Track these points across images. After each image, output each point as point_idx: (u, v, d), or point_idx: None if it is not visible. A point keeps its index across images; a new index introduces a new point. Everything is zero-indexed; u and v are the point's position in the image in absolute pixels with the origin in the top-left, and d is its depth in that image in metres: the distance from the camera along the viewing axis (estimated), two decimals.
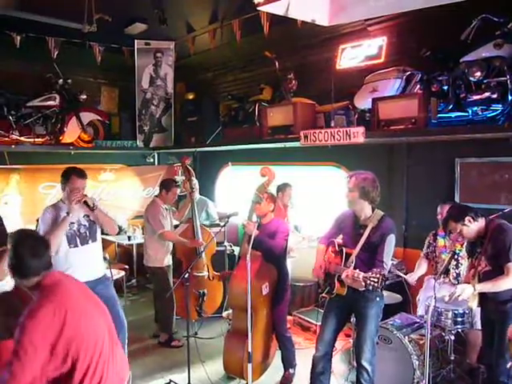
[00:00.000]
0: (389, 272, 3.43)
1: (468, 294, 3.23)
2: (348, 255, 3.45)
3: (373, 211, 3.46)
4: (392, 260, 5.09)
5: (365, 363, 3.40)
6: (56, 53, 6.38)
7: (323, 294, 3.68)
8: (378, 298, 3.43)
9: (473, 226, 3.30)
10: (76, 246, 3.84)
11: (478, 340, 3.89)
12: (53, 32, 6.27)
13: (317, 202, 6.29)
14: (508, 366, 3.23)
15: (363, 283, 3.11)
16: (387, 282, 3.54)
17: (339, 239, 3.68)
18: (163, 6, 5.79)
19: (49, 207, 3.91)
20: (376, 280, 3.05)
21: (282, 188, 5.40)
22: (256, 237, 3.77)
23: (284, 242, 4.09)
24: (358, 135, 4.48)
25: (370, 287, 3.08)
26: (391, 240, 3.33)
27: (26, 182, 7.03)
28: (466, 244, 4.19)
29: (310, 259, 5.27)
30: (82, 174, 3.85)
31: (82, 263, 3.83)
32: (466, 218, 3.28)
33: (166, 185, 5.25)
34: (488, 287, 3.21)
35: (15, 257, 2.19)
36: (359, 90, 4.92)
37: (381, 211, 3.46)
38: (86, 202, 3.78)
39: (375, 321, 3.44)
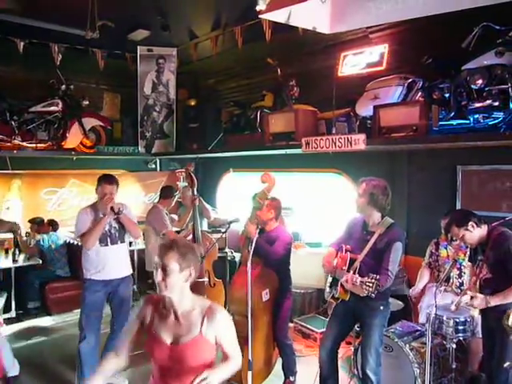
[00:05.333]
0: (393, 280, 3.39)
1: (479, 304, 3.20)
2: (353, 260, 3.44)
3: (382, 218, 3.44)
4: None
5: (370, 373, 3.39)
6: (59, 59, 6.41)
7: (329, 299, 3.67)
8: (382, 307, 3.41)
9: (475, 232, 3.29)
10: (106, 245, 4.19)
11: (479, 348, 3.87)
12: (56, 38, 6.30)
13: (318, 209, 6.29)
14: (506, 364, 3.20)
15: (361, 288, 3.10)
16: (392, 289, 3.53)
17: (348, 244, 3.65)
18: (166, 12, 5.81)
19: (84, 209, 4.25)
20: (370, 285, 3.04)
21: None
22: (256, 241, 3.76)
23: (282, 250, 4.07)
24: (359, 142, 4.48)
25: (366, 293, 3.07)
26: (398, 248, 3.31)
27: (28, 187, 7.05)
28: (468, 252, 4.20)
29: (310, 266, 5.29)
30: (110, 181, 4.19)
31: (111, 261, 4.18)
32: (470, 223, 3.26)
33: (164, 193, 5.45)
34: (500, 299, 3.17)
35: None
36: (361, 97, 4.93)
37: (390, 219, 3.45)
38: (112, 208, 4.07)
39: (379, 330, 3.42)
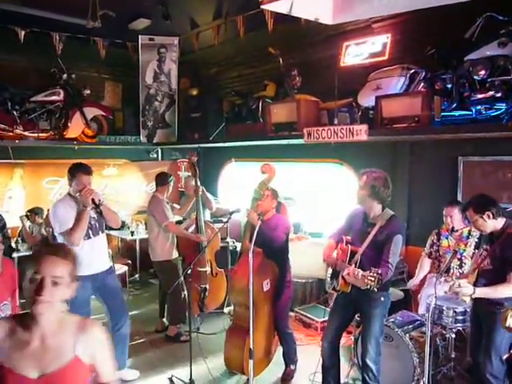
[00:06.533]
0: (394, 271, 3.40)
1: (465, 293, 3.22)
2: (354, 253, 3.46)
3: (383, 210, 3.45)
4: None
5: (369, 362, 3.41)
6: (60, 48, 6.40)
7: (330, 290, 3.69)
8: (382, 298, 3.42)
9: (489, 222, 3.25)
10: (89, 237, 3.98)
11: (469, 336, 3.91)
12: (57, 27, 6.29)
13: (319, 199, 6.30)
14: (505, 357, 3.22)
15: (363, 282, 3.12)
16: (392, 279, 3.55)
17: (349, 236, 3.65)
18: (167, 1, 5.79)
19: (59, 203, 3.99)
20: (372, 279, 3.04)
21: None
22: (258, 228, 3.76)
23: (284, 235, 4.10)
24: (361, 133, 4.48)
25: (368, 286, 3.08)
26: (398, 240, 3.30)
27: (30, 176, 7.07)
28: (468, 243, 4.23)
29: (312, 255, 5.32)
30: (88, 171, 3.94)
31: (96, 254, 4.01)
32: (486, 213, 3.23)
33: (159, 181, 5.34)
34: (488, 292, 3.19)
35: None
36: (363, 87, 4.92)
37: (390, 211, 3.45)
38: (93, 200, 3.86)
39: (379, 320, 3.44)
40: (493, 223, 3.26)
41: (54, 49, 6.37)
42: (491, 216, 3.23)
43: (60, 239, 3.94)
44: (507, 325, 2.71)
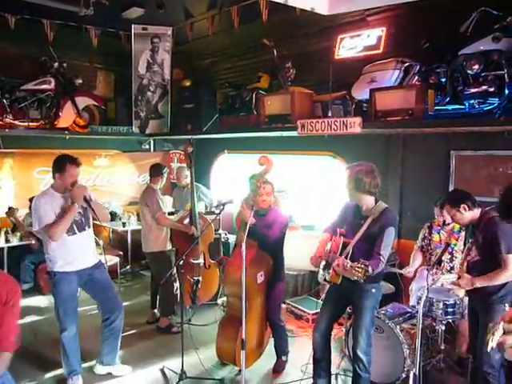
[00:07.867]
0: (386, 264, 3.41)
1: (465, 284, 3.27)
2: (346, 245, 3.46)
3: (376, 203, 3.44)
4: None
5: (360, 354, 3.43)
6: (52, 36, 6.31)
7: (322, 281, 3.70)
8: (373, 290, 3.44)
9: (466, 214, 3.34)
10: (74, 233, 3.81)
11: (468, 330, 3.95)
12: (49, 14, 6.18)
13: (312, 192, 6.31)
14: (497, 357, 3.25)
15: (351, 273, 3.13)
16: (384, 271, 3.55)
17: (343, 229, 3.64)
18: None
19: (41, 197, 3.77)
20: (360, 270, 3.04)
21: None
22: (252, 225, 3.78)
23: (279, 232, 4.10)
24: (354, 126, 4.49)
25: (355, 277, 3.09)
26: (390, 233, 3.31)
27: (20, 166, 6.98)
28: (460, 237, 4.26)
29: (303, 248, 5.33)
30: (77, 162, 3.78)
31: (82, 250, 3.87)
32: (462, 206, 3.32)
33: (153, 172, 5.33)
34: (486, 281, 3.22)
35: None
36: (357, 80, 4.92)
37: (384, 204, 3.45)
38: (85, 197, 3.73)
39: (370, 312, 3.46)
40: (470, 214, 3.35)
41: (46, 37, 6.27)
42: (467, 208, 3.33)
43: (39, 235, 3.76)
44: (489, 348, 2.65)
